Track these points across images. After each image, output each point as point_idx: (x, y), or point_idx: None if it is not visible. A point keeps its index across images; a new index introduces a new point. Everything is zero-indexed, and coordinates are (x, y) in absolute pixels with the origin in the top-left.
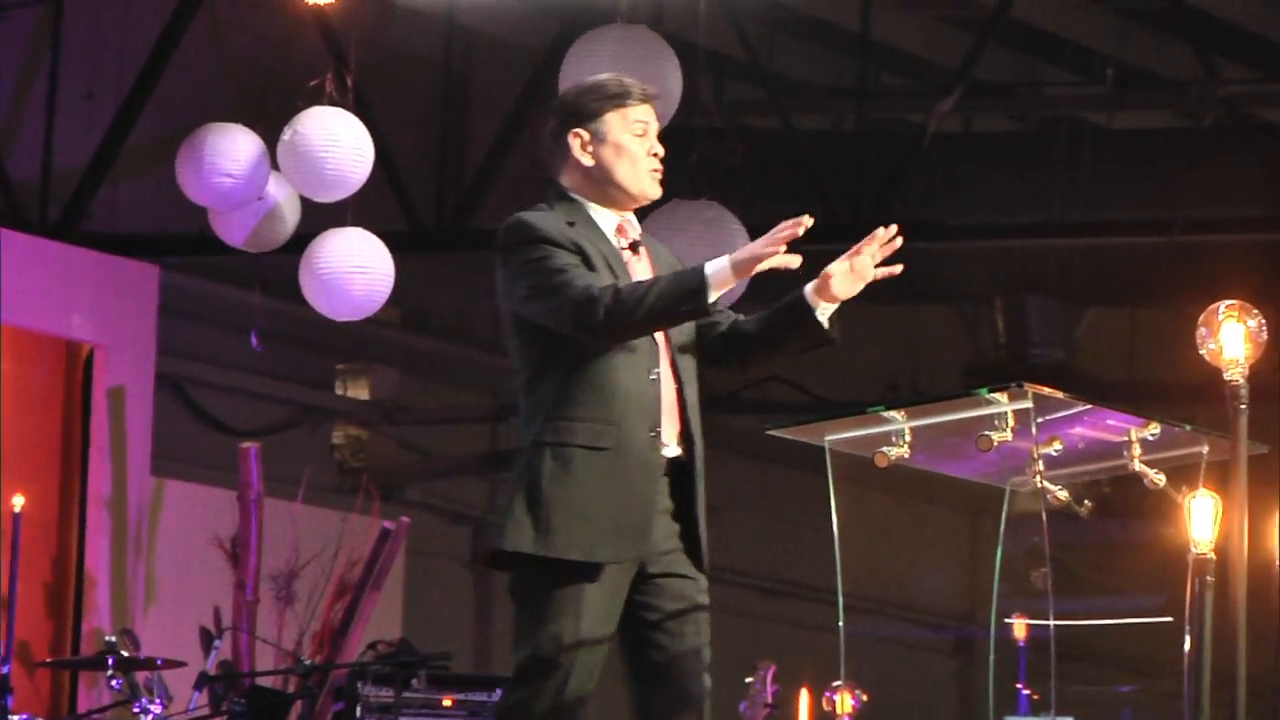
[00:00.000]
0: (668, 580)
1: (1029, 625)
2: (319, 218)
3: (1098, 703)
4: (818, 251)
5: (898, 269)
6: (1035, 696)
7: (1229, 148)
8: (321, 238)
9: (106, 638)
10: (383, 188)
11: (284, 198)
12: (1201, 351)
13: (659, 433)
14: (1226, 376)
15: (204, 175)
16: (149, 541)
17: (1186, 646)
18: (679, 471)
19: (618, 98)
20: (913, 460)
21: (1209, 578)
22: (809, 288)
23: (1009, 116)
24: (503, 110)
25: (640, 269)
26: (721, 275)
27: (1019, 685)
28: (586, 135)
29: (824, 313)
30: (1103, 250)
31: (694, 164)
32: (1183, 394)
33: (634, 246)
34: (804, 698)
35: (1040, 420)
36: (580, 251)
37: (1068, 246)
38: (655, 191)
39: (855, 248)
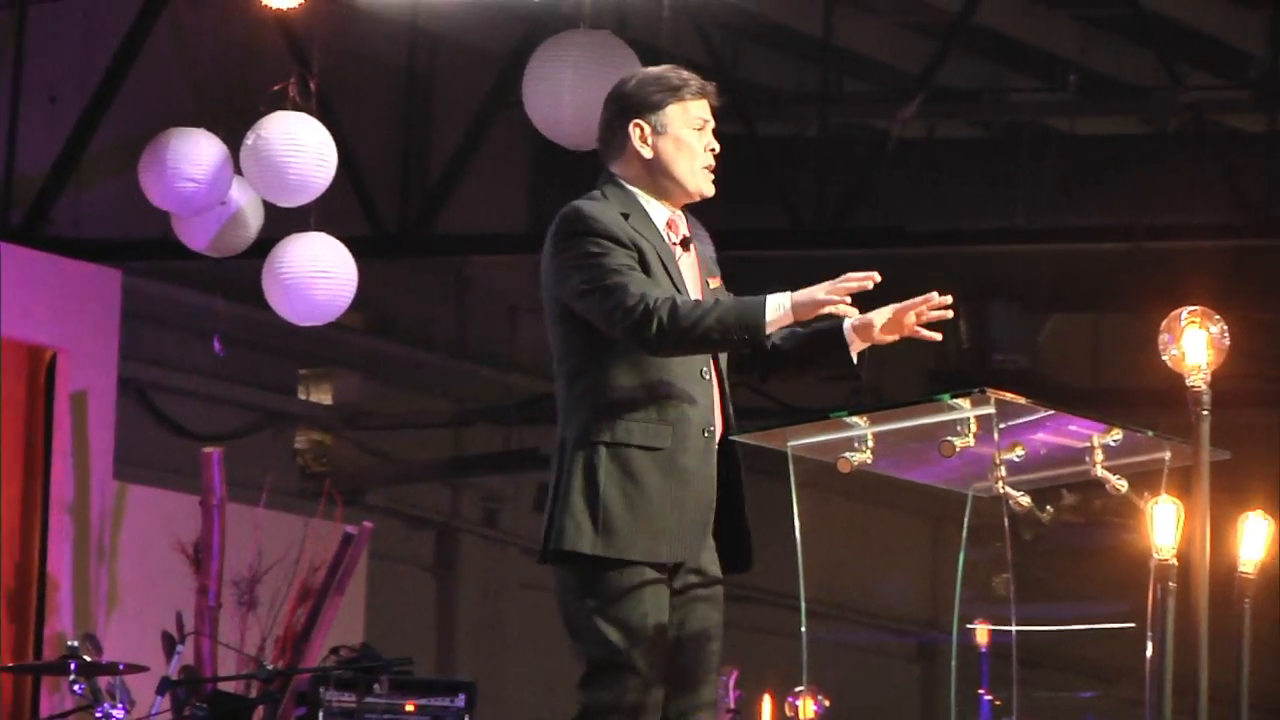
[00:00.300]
0: (698, 575)
1: (991, 631)
2: (282, 222)
3: (1060, 709)
4: (780, 258)
5: (938, 336)
6: (997, 702)
7: (1192, 154)
8: (284, 243)
9: (69, 642)
10: (346, 192)
11: (247, 202)
12: (1164, 358)
13: (713, 431)
14: (1189, 382)
15: (167, 180)
16: (111, 546)
17: (1149, 652)
18: (725, 469)
19: (679, 91)
20: (876, 466)
21: (1171, 584)
22: (849, 324)
23: (973, 123)
24: (466, 115)
25: (687, 266)
26: (782, 315)
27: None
28: (647, 127)
29: (855, 348)
30: (1066, 256)
31: None
32: (1146, 400)
33: (685, 243)
34: (766, 703)
35: (1003, 426)
36: (637, 249)
37: (1031, 252)
38: (709, 189)
39: (906, 305)
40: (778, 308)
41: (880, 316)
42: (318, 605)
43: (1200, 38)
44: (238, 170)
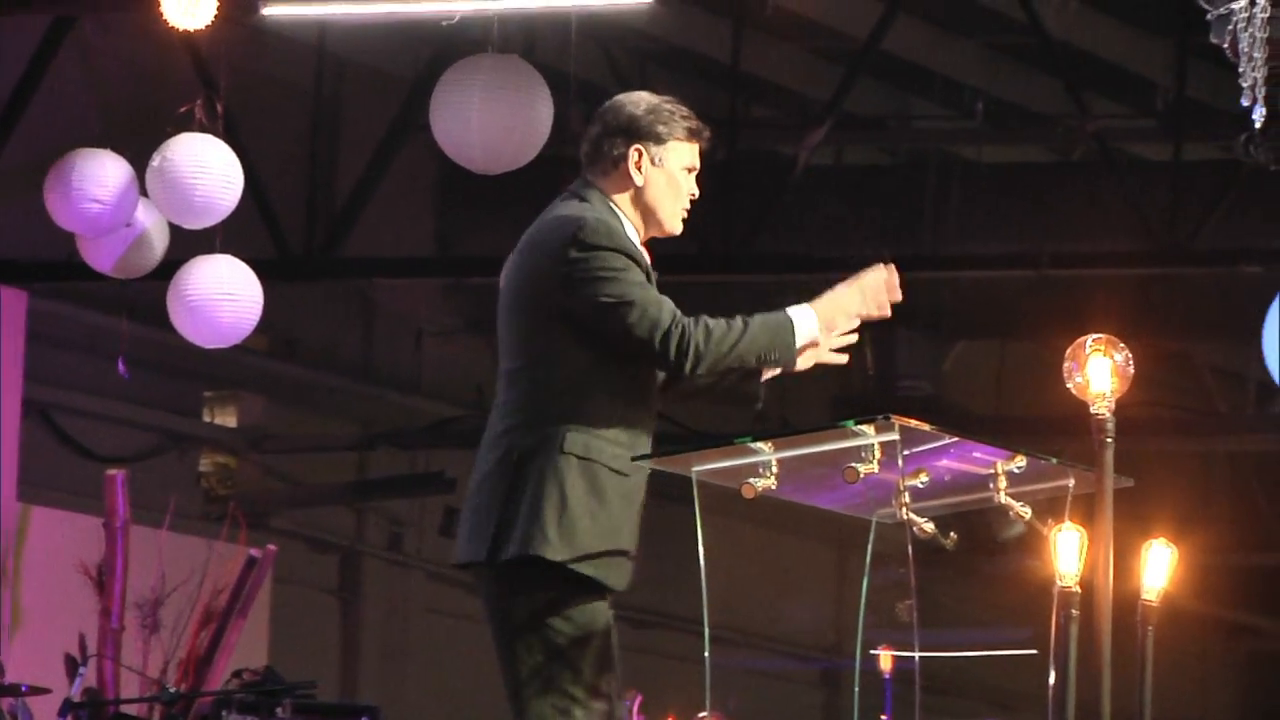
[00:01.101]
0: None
1: (894, 657)
2: (187, 244)
3: None
4: (686, 283)
5: (844, 359)
6: None
7: (1097, 182)
8: (190, 265)
9: None
10: (252, 215)
11: (153, 224)
12: (1069, 385)
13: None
14: (1093, 410)
15: (73, 201)
16: (14, 568)
17: (1051, 680)
18: None
19: (684, 129)
20: (780, 492)
21: (1074, 611)
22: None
23: (880, 149)
24: (373, 138)
25: None
26: (810, 331)
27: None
28: (647, 155)
29: (767, 372)
30: (972, 283)
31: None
32: (1050, 427)
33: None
34: None
35: (907, 452)
36: (645, 273)
37: (937, 279)
38: (678, 229)
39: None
40: (808, 325)
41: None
42: (221, 628)
43: (1106, 66)
44: (143, 192)
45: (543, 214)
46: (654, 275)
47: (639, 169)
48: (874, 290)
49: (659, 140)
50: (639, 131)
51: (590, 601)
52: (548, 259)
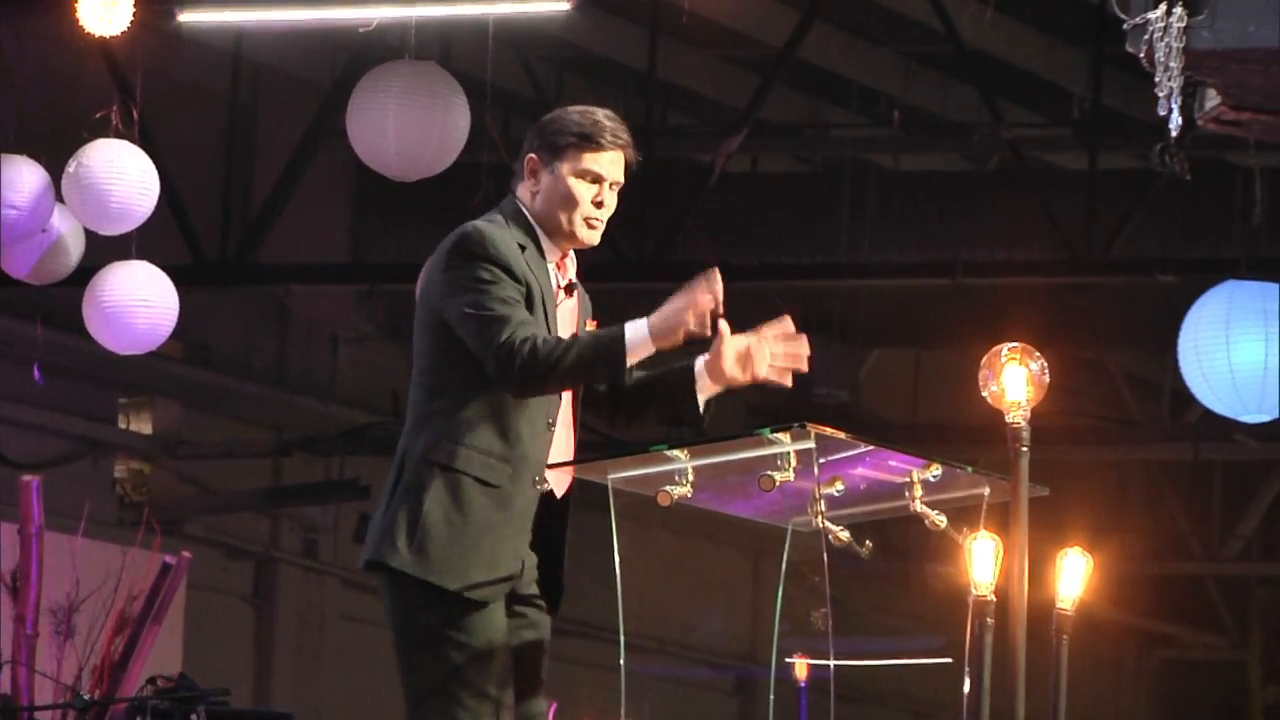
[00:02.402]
0: (528, 608)
1: (810, 665)
2: (103, 250)
3: None
4: (601, 290)
5: (788, 382)
6: None
7: (1012, 191)
8: (105, 271)
9: None
10: (167, 221)
11: (68, 230)
12: (984, 394)
13: (540, 482)
14: (1009, 419)
15: None
16: None
17: (966, 688)
18: (553, 510)
19: (583, 139)
20: (696, 499)
21: (989, 619)
22: (701, 362)
23: (795, 157)
24: (289, 144)
25: (567, 311)
26: (641, 344)
27: None
28: (540, 164)
29: (704, 393)
30: (887, 291)
31: (479, 201)
32: (965, 436)
33: (569, 288)
34: None
35: (822, 461)
36: (526, 285)
37: (852, 287)
38: (590, 239)
39: (761, 331)
40: (638, 338)
41: (730, 346)
42: (135, 635)
43: (1022, 75)
44: (59, 198)
45: None
46: (556, 287)
47: (535, 178)
48: (698, 296)
49: (553, 149)
50: (536, 141)
51: (454, 610)
52: (435, 269)
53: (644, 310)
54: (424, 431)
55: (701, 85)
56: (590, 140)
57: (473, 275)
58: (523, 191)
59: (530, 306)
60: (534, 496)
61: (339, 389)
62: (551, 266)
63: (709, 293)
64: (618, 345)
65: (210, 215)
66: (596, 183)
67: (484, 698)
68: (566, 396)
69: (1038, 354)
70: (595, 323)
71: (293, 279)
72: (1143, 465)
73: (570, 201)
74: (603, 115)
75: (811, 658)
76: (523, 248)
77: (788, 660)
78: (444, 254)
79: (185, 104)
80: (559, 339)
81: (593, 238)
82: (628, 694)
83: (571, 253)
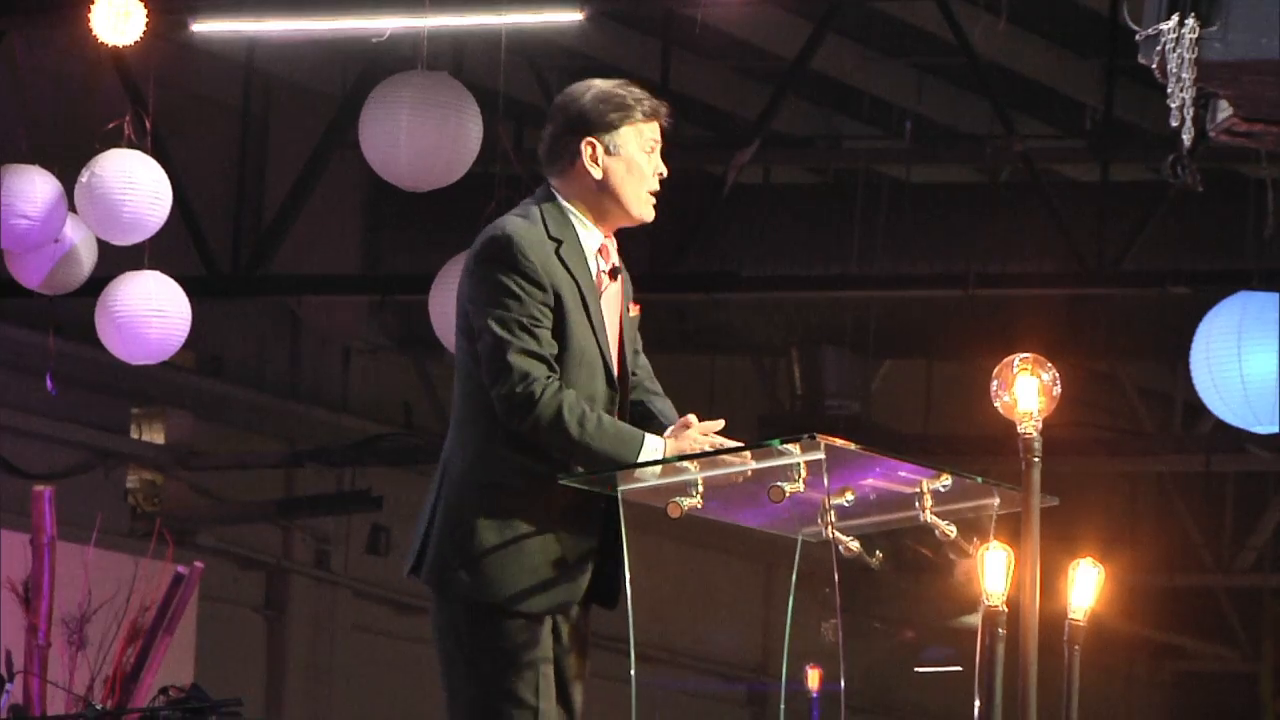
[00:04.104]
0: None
1: (821, 677)
2: (116, 261)
3: None
4: None
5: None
6: None
7: (1024, 203)
8: (118, 281)
9: None
10: (180, 231)
11: (80, 240)
12: (996, 404)
13: None
14: (1020, 430)
15: (0, 217)
16: None
17: (977, 699)
18: (609, 513)
19: (634, 111)
20: (706, 511)
21: (1000, 630)
22: (669, 432)
23: (808, 169)
24: (301, 156)
25: (611, 296)
26: (653, 456)
27: None
28: (600, 146)
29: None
30: (899, 303)
31: (493, 211)
32: (977, 447)
33: (613, 272)
34: None
35: (833, 471)
36: (556, 295)
37: (864, 299)
38: (650, 215)
39: (708, 428)
40: (651, 454)
41: (695, 432)
42: (147, 645)
43: (1034, 87)
44: (72, 208)
45: None
46: (599, 273)
47: (595, 162)
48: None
49: (610, 128)
50: (589, 124)
51: (505, 622)
52: (465, 270)
53: (659, 320)
54: (465, 438)
55: (714, 97)
56: (643, 108)
57: (497, 283)
58: (568, 181)
59: (562, 316)
60: (585, 500)
61: (351, 400)
62: (592, 254)
63: (715, 432)
64: (632, 453)
65: (222, 226)
66: (652, 152)
67: (528, 710)
68: (604, 397)
69: (1049, 365)
70: (638, 306)
71: (305, 290)
72: (1154, 476)
73: (640, 176)
74: (627, 85)
75: (823, 669)
76: (559, 242)
77: (799, 672)
78: (472, 256)
79: (198, 114)
80: (584, 410)
81: (651, 213)
82: (639, 706)
83: (613, 238)
